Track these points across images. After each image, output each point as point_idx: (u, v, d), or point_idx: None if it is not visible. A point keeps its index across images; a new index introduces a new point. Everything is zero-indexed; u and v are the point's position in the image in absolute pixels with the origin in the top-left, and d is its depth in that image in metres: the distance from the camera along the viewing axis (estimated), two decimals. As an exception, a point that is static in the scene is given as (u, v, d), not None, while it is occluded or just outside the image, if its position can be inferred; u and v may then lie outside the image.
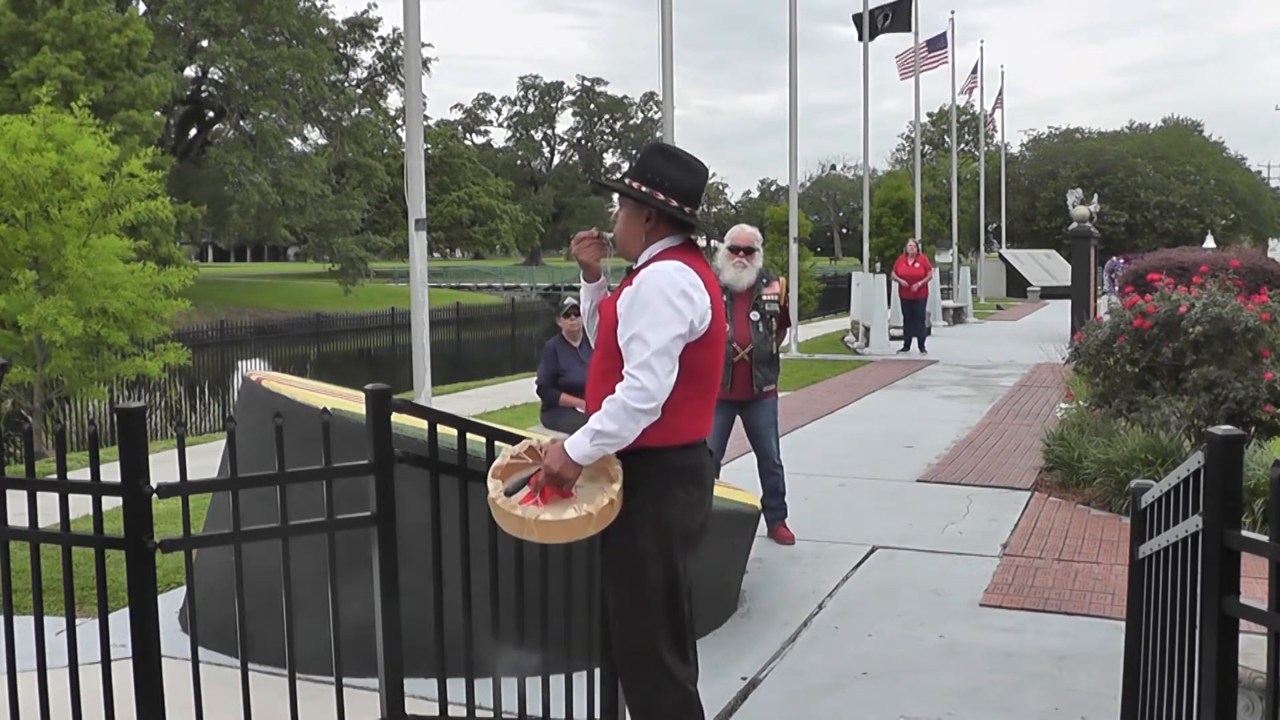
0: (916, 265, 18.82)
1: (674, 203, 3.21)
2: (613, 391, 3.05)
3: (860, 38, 24.45)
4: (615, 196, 3.40)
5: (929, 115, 61.93)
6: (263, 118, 46.20)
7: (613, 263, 3.50)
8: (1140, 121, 64.70)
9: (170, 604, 5.18)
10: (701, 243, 3.39)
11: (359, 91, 56.11)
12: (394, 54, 55.29)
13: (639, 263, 3.25)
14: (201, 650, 3.37)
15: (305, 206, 44.84)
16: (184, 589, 5.01)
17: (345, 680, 3.45)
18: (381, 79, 58.16)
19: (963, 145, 48.57)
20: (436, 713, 3.70)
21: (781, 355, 7.14)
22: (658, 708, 3.15)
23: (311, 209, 45.13)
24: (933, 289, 23.61)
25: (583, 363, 7.45)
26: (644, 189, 3.23)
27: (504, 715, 3.68)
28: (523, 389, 13.69)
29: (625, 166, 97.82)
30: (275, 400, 4.70)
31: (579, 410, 7.22)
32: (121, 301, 11.39)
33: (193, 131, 50.59)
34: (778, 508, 6.73)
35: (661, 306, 3.05)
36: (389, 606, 3.45)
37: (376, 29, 55.91)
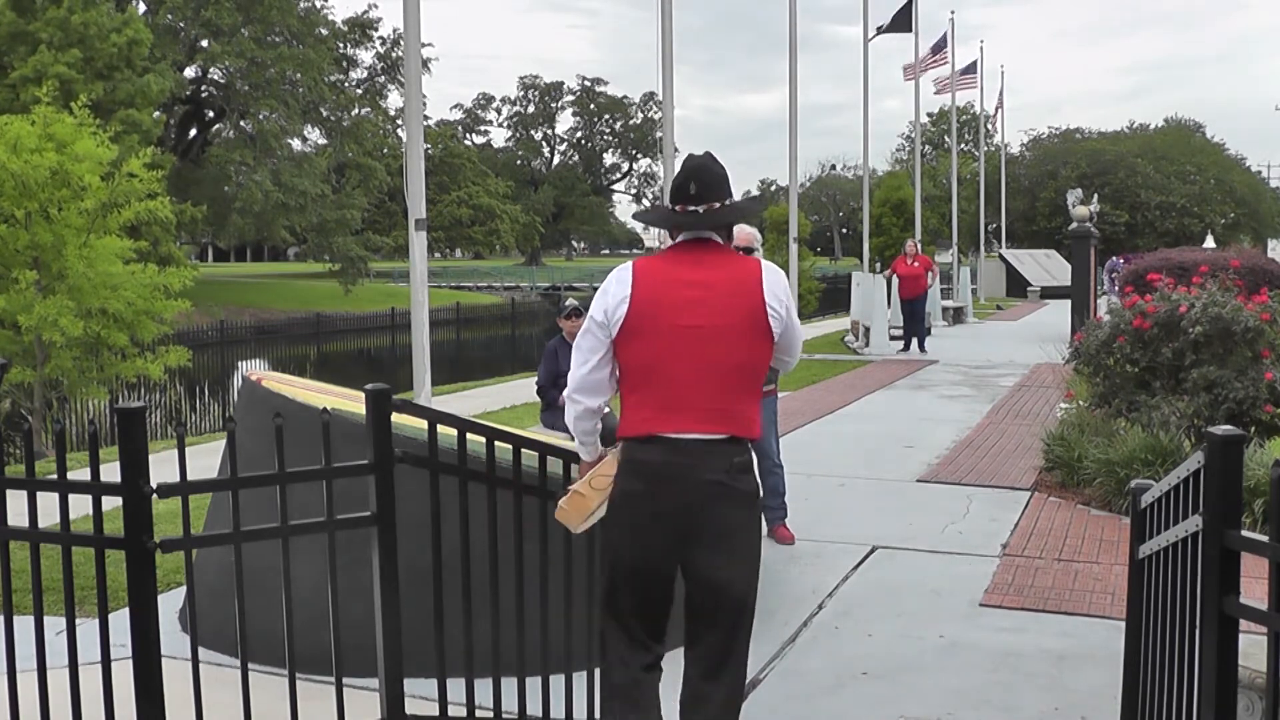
0: (916, 265, 18.82)
1: (662, 203, 3.28)
2: None
3: (865, 36, 24.45)
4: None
5: (929, 115, 61.93)
6: (263, 118, 46.15)
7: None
8: (1141, 122, 64.79)
9: (170, 604, 5.18)
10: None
11: (359, 91, 56.09)
12: (394, 54, 55.26)
13: None
14: (201, 650, 3.37)
15: (305, 206, 44.80)
16: (184, 589, 5.01)
17: (345, 680, 3.45)
18: (381, 79, 58.15)
19: (963, 145, 48.56)
20: (436, 713, 3.70)
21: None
22: (606, 679, 3.26)
23: (312, 209, 45.10)
24: (932, 289, 23.58)
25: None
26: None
27: (504, 715, 3.68)
28: (523, 389, 13.69)
29: (625, 166, 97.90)
30: (275, 400, 4.70)
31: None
32: (122, 302, 11.38)
33: (193, 131, 50.56)
34: (778, 508, 6.73)
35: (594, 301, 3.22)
36: (389, 606, 3.44)
37: (376, 29, 55.95)
